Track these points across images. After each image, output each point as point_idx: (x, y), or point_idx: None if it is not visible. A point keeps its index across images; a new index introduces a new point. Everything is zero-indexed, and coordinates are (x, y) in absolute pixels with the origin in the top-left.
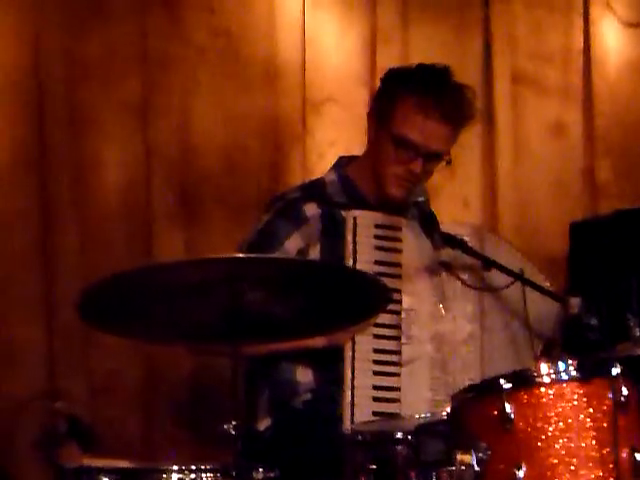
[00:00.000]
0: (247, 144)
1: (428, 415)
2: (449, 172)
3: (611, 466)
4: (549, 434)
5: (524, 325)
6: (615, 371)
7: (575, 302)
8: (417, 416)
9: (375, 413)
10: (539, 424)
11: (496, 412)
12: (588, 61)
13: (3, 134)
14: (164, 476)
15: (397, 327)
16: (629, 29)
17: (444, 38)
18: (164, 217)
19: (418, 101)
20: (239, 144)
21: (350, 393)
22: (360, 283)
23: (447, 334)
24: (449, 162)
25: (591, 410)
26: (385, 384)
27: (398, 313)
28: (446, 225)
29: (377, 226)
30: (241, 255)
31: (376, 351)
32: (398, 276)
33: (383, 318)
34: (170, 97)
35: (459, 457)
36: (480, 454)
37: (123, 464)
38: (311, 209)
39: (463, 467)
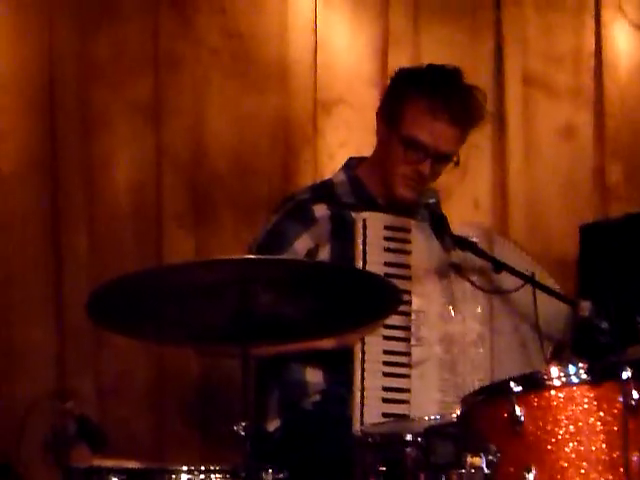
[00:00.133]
0: (258, 145)
1: (438, 417)
2: (460, 173)
3: (621, 470)
4: (559, 437)
5: (534, 328)
6: (625, 374)
7: (585, 305)
8: (427, 418)
9: (385, 414)
10: (549, 427)
11: (506, 415)
12: (599, 63)
13: (15, 134)
14: (173, 477)
15: (407, 329)
16: None
17: (455, 40)
18: (174, 218)
19: (428, 102)
20: (250, 145)
21: (360, 394)
22: (371, 285)
23: (456, 335)
24: (457, 163)
25: (601, 413)
26: (395, 385)
27: (408, 314)
28: (455, 226)
29: (386, 228)
30: (252, 257)
31: (386, 352)
32: (407, 277)
33: (393, 319)
34: (181, 98)
35: (469, 460)
36: (490, 457)
37: (132, 465)
38: (320, 210)
39: (473, 470)
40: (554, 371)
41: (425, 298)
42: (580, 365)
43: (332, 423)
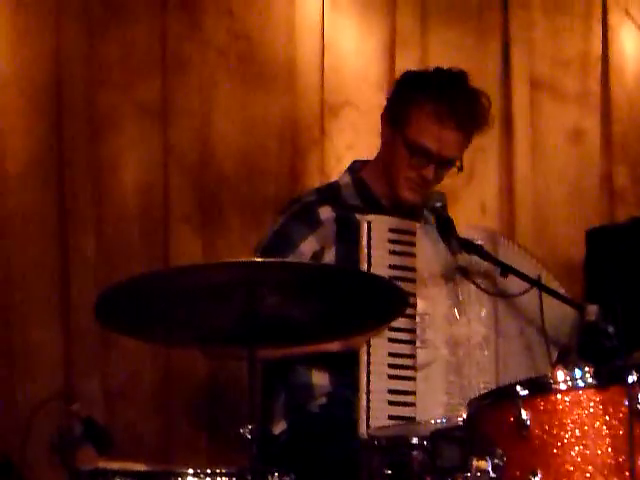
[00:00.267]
0: (265, 146)
1: (444, 420)
2: (467, 177)
3: (627, 474)
4: (565, 441)
5: (540, 332)
6: (631, 379)
7: (592, 309)
8: (433, 421)
9: (391, 417)
10: (555, 431)
11: (512, 418)
12: (606, 67)
13: (23, 135)
14: (179, 479)
15: (412, 331)
16: None
17: (462, 43)
18: (181, 219)
19: (434, 109)
20: (257, 146)
21: (365, 397)
22: (377, 288)
23: (462, 338)
24: (461, 168)
25: (607, 417)
26: (400, 388)
27: (413, 317)
28: (460, 229)
29: (391, 230)
30: (259, 259)
31: (391, 355)
32: (412, 280)
33: (398, 322)
34: (189, 100)
35: (475, 463)
36: (496, 460)
37: (139, 467)
38: (326, 212)
39: (479, 473)
40: (560, 375)
41: (430, 301)
42: (586, 369)
43: (338, 426)
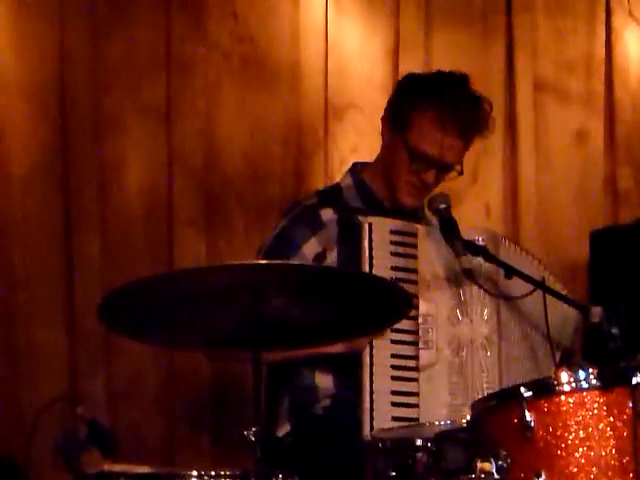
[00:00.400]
0: (269, 148)
1: (448, 422)
2: (471, 180)
3: (631, 475)
4: (569, 442)
5: (543, 334)
6: (636, 380)
7: (596, 311)
8: (437, 423)
9: (394, 418)
10: (559, 432)
11: (516, 420)
12: (610, 69)
13: (27, 138)
14: None
15: (414, 332)
16: None
17: (467, 45)
18: (186, 221)
19: (436, 115)
20: (261, 148)
21: (368, 398)
22: (382, 290)
23: (465, 339)
24: (461, 172)
25: (611, 419)
26: (403, 389)
27: (415, 319)
28: (462, 230)
29: (392, 232)
30: (264, 262)
31: (394, 356)
32: (414, 282)
33: (400, 323)
34: (193, 102)
35: (479, 465)
36: (500, 462)
37: (143, 469)
38: (327, 214)
39: (483, 475)
40: (564, 376)
41: (432, 302)
42: (590, 370)
43: (342, 428)
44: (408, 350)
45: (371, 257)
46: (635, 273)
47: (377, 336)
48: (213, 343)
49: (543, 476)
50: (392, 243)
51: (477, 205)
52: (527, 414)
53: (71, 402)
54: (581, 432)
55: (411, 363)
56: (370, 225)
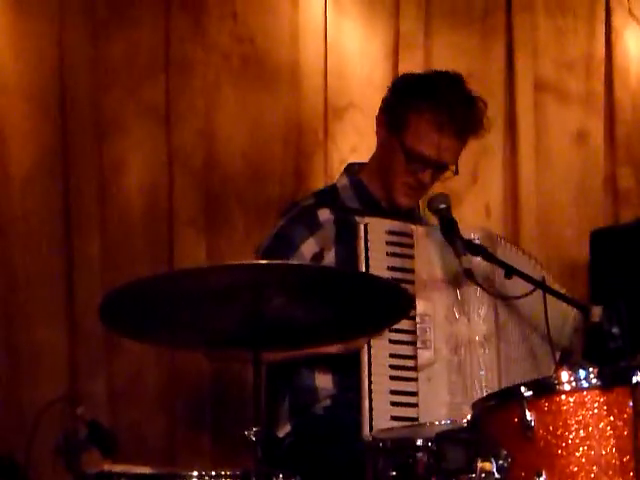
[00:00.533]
0: (269, 148)
1: (449, 422)
2: (471, 180)
3: (631, 474)
4: (570, 442)
5: (543, 334)
6: (636, 379)
7: (597, 311)
8: (438, 423)
9: (393, 417)
10: (560, 432)
11: (517, 420)
12: (610, 69)
13: (27, 139)
14: None
15: (412, 332)
16: None
17: (467, 45)
18: (186, 221)
19: (433, 117)
20: (261, 148)
21: (368, 398)
22: (383, 290)
23: (462, 337)
24: (456, 172)
25: (612, 418)
26: (402, 389)
27: (413, 318)
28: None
29: (389, 232)
30: (264, 262)
31: (392, 356)
32: (411, 282)
33: (399, 323)
34: (193, 102)
35: (480, 465)
36: (501, 462)
37: (143, 470)
38: (324, 214)
39: (484, 474)
40: (564, 376)
41: (430, 301)
42: (590, 370)
43: (342, 428)
44: (406, 350)
45: (367, 257)
46: (635, 273)
47: (375, 336)
48: (213, 343)
49: (544, 475)
50: (388, 243)
51: (477, 205)
52: (527, 413)
53: (71, 402)
54: (581, 431)
55: (410, 363)
56: (366, 226)
